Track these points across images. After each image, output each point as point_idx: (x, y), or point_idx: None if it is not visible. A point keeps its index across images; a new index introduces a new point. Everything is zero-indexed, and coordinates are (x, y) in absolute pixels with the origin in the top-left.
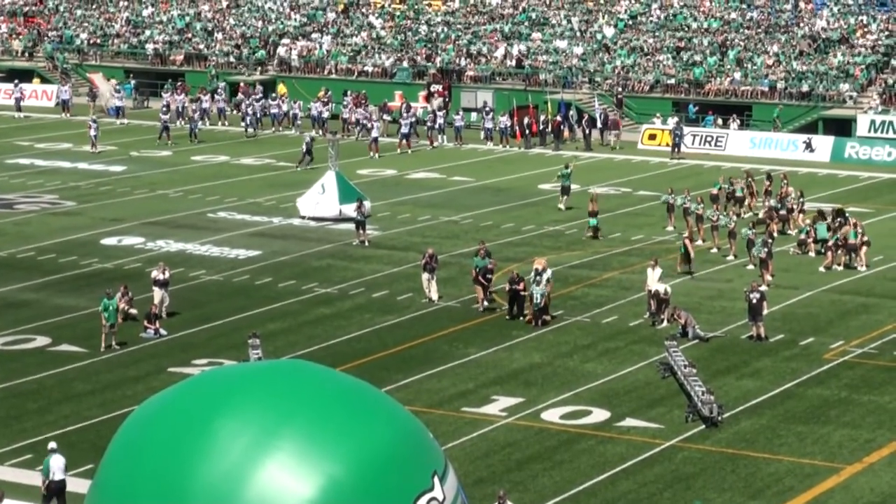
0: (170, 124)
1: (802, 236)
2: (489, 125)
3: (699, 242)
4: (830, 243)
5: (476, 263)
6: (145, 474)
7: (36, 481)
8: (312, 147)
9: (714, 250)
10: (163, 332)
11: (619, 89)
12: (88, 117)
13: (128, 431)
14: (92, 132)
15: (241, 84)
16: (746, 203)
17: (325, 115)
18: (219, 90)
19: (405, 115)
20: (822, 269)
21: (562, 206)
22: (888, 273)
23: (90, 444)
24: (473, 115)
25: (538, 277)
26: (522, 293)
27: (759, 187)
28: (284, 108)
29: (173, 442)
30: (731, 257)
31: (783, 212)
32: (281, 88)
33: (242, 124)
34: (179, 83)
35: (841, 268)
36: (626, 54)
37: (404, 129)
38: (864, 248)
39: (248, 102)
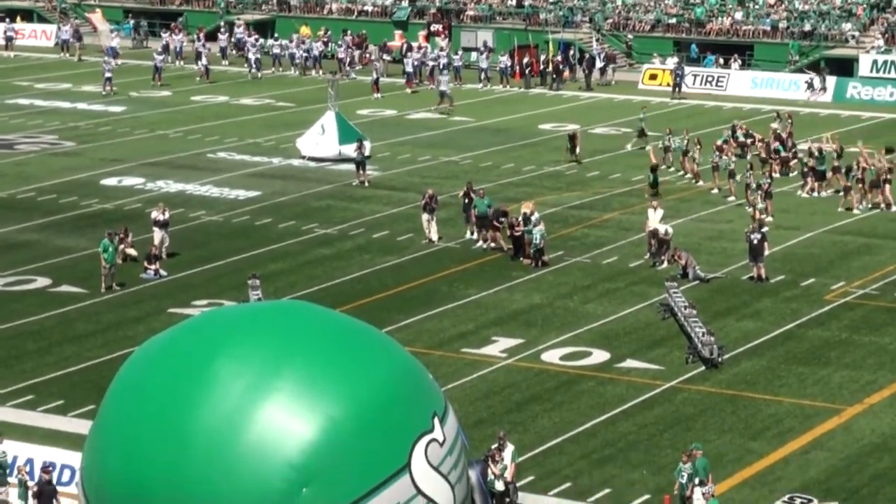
0: (161, 65)
1: (806, 169)
2: (483, 65)
3: (700, 184)
4: (849, 183)
5: (476, 204)
6: (147, 415)
7: (37, 422)
8: (447, 94)
9: (714, 191)
10: (163, 272)
11: (629, 36)
12: (92, 58)
13: (129, 372)
14: (107, 74)
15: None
16: (751, 143)
17: (316, 53)
18: (221, 29)
19: (408, 54)
20: (857, 210)
21: (629, 146)
22: (890, 213)
23: (92, 385)
24: (473, 55)
25: (528, 224)
26: (517, 234)
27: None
28: (304, 48)
29: (174, 383)
30: (731, 198)
31: (785, 153)
32: (304, 30)
33: (246, 66)
34: (174, 24)
35: (865, 205)
36: None
37: (409, 69)
38: (888, 186)
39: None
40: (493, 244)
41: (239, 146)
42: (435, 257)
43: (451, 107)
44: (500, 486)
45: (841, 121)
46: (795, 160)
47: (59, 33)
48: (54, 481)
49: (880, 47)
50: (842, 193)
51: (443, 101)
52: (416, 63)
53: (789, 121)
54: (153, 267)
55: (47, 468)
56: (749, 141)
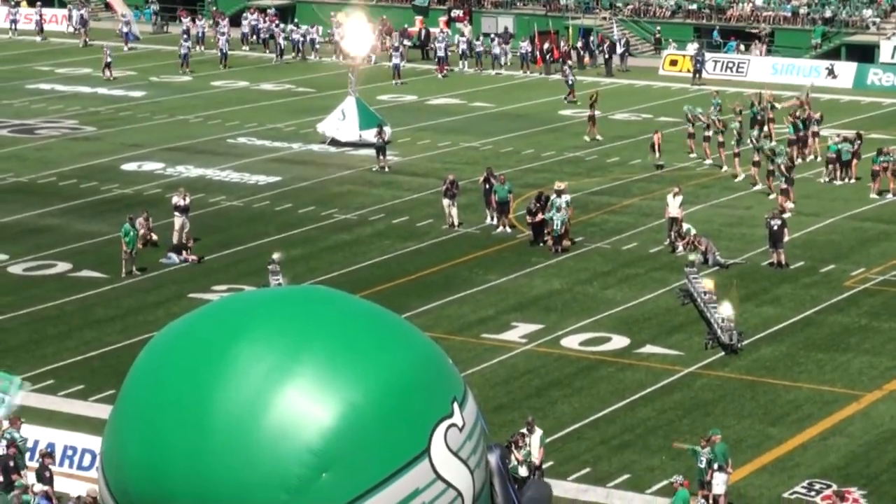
0: (184, 52)
1: (831, 154)
2: (496, 51)
3: (725, 168)
4: (877, 167)
5: (496, 190)
6: (166, 399)
7: (58, 407)
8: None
9: (739, 178)
10: (193, 258)
11: (658, 28)
12: (111, 43)
13: (148, 357)
14: (107, 59)
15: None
16: (766, 128)
17: (338, 38)
18: (244, 15)
19: (439, 37)
20: (874, 195)
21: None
22: None
23: (111, 370)
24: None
25: (558, 200)
26: (537, 221)
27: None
28: (300, 33)
29: (193, 367)
30: (760, 185)
31: (804, 132)
32: (341, 16)
33: (267, 51)
34: (181, 10)
35: (891, 195)
36: None
37: (441, 53)
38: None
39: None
40: (509, 229)
41: (259, 131)
42: (455, 243)
43: (573, 97)
44: (523, 471)
45: (861, 107)
46: (817, 138)
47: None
48: (74, 466)
49: None
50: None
51: (572, 92)
52: (445, 48)
53: (807, 106)
54: (191, 256)
55: (50, 454)
56: (769, 126)
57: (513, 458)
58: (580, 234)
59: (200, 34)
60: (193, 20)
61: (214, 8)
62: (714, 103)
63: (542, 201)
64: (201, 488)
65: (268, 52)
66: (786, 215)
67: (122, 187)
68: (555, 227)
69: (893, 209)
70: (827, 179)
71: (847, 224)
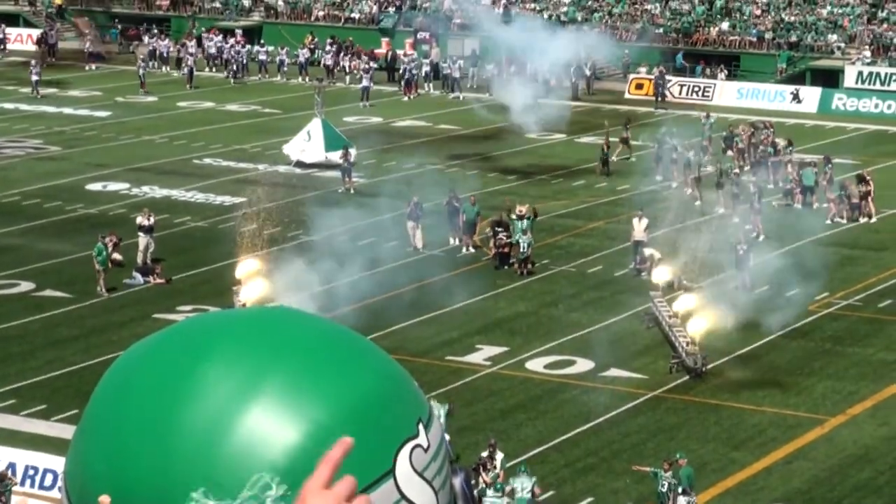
0: (142, 72)
1: (788, 185)
2: (456, 75)
3: (688, 191)
4: (833, 196)
5: (465, 210)
6: (131, 419)
7: (20, 427)
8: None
9: (697, 203)
10: (158, 280)
11: (626, 51)
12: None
13: (113, 376)
14: (34, 77)
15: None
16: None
17: (302, 60)
18: (205, 35)
19: (406, 61)
20: (828, 220)
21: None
22: (873, 225)
23: (74, 390)
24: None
25: (521, 222)
26: (505, 248)
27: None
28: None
29: (159, 387)
30: (719, 209)
31: (776, 158)
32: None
33: (225, 71)
34: (131, 30)
35: (845, 221)
36: (615, 2)
37: (407, 76)
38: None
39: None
40: (472, 249)
41: (224, 152)
42: (420, 265)
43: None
44: (491, 493)
45: (826, 132)
46: (790, 164)
47: (46, 38)
48: (36, 486)
49: (866, 58)
50: (826, 205)
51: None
52: (409, 71)
53: (771, 129)
54: (158, 280)
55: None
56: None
57: (480, 480)
58: (545, 257)
59: (165, 54)
60: (157, 39)
61: (194, 24)
62: (706, 124)
63: (500, 228)
64: None
65: (226, 73)
66: (753, 234)
67: (86, 207)
68: (521, 250)
69: (856, 234)
70: (791, 203)
71: (811, 249)
